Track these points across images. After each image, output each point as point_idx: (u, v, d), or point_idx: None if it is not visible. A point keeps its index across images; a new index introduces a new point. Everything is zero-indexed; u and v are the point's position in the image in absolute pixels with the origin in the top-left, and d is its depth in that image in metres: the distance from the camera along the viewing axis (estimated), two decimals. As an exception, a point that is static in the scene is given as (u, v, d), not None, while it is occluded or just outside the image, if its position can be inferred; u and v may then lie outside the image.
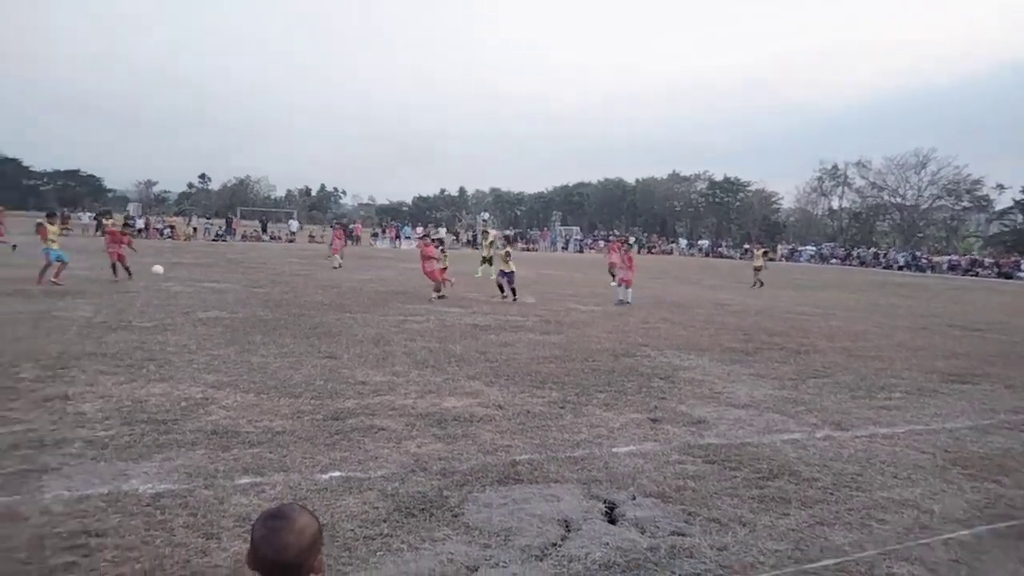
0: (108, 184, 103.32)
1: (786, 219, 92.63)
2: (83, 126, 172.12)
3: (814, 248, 66.79)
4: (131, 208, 67.20)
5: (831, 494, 5.33)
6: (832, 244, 70.70)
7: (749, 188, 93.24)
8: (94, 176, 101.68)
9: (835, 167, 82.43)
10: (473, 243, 54.65)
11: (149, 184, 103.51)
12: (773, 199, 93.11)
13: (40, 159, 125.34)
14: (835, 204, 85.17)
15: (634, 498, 5.06)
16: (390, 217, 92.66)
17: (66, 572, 3.62)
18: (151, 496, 4.62)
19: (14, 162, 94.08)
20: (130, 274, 18.06)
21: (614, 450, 6.14)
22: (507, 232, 29.57)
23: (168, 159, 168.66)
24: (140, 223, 46.65)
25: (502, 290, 17.29)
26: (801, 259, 62.89)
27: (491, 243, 24.77)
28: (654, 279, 28.75)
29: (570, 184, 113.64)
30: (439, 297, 17.12)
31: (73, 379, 7.61)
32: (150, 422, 6.21)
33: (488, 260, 23.53)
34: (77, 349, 9.10)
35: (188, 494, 4.69)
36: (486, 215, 61.40)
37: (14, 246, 24.26)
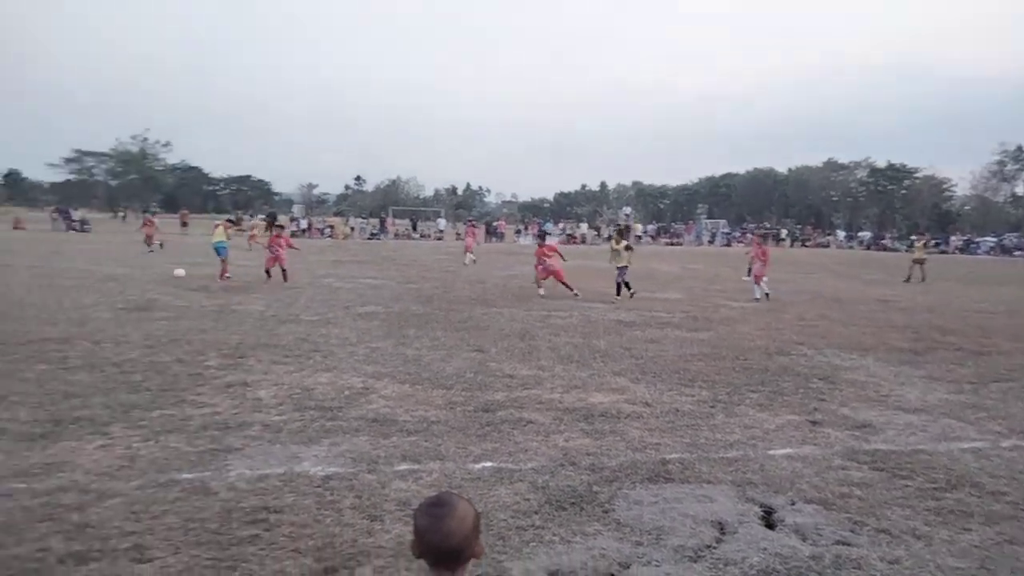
0: (275, 188, 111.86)
1: (960, 208, 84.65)
2: (253, 135, 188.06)
3: (994, 239, 60.49)
4: (295, 210, 72.33)
5: (1022, 510, 4.82)
6: (1016, 234, 63.73)
7: (916, 175, 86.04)
8: (263, 181, 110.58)
9: (1019, 149, 74.36)
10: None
11: (311, 187, 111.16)
12: (944, 186, 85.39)
13: (218, 166, 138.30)
14: (1020, 190, 76.79)
15: (793, 503, 4.82)
16: (532, 213, 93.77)
17: (250, 544, 3.96)
18: (321, 478, 4.96)
19: (196, 170, 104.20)
20: (284, 277, 17.91)
21: (770, 452, 5.88)
22: (621, 224, 28.60)
23: (327, 163, 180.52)
24: (303, 223, 50.14)
25: (628, 287, 16.45)
26: (979, 251, 57.18)
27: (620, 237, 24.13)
28: (808, 274, 27.25)
29: (716, 175, 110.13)
30: (548, 294, 16.96)
31: (251, 367, 8.31)
32: (318, 409, 6.68)
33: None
34: (253, 340, 9.93)
35: (353, 477, 4.99)
36: (628, 209, 60.59)
37: (160, 244, 27.16)
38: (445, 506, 1.86)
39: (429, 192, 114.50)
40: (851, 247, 62.79)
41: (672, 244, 56.63)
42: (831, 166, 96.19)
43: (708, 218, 71.60)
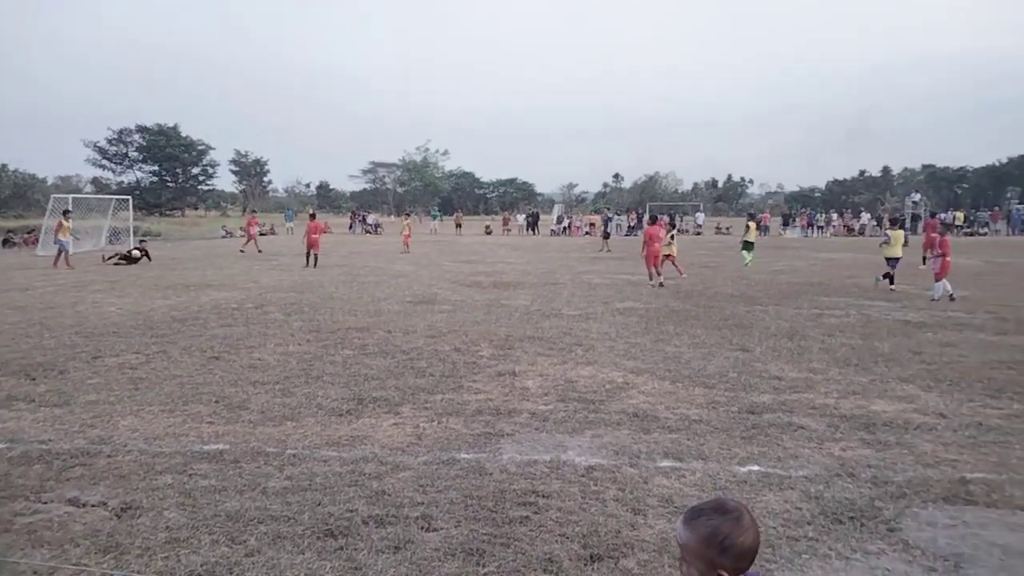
0: (538, 189, 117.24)
1: None
2: (519, 142, 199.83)
3: None
4: (556, 208, 74.99)
5: None
6: None
7: None
8: (528, 183, 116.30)
9: None
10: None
11: (570, 187, 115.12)
12: None
13: (488, 171, 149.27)
14: None
15: None
16: (800, 204, 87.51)
17: (521, 524, 4.22)
18: (585, 468, 5.13)
19: (470, 175, 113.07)
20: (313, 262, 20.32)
21: (1110, 482, 4.90)
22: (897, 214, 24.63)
23: (586, 164, 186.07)
24: (566, 222, 51.95)
25: (888, 279, 14.48)
26: None
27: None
28: None
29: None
30: (657, 285, 16.91)
31: (518, 358, 8.82)
32: (580, 400, 6.89)
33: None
34: (520, 332, 10.52)
35: (616, 470, 5.09)
36: (917, 196, 53.74)
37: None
38: (744, 513, 1.71)
39: (688, 186, 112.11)
40: None
41: (971, 234, 49.29)
42: None
43: (1021, 203, 61.17)
